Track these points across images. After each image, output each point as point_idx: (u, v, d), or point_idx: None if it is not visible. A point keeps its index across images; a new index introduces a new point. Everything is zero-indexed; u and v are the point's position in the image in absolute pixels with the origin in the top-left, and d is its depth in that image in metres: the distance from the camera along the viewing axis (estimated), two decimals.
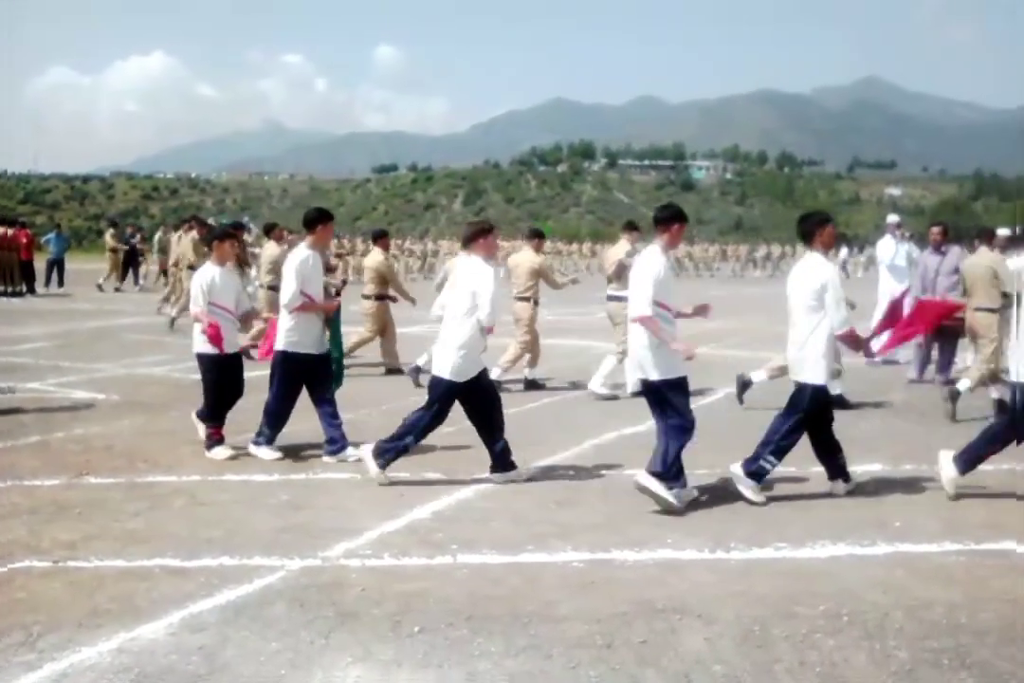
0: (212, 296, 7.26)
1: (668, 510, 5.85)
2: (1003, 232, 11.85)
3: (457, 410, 6.76)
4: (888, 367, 12.20)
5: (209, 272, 7.35)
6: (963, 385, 9.27)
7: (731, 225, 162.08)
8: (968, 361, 12.55)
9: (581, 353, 13.31)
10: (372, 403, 9.25)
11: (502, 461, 6.67)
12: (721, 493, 6.34)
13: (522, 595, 4.52)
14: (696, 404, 6.49)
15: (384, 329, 11.83)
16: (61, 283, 25.75)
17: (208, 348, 7.24)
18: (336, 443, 7.21)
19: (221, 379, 7.31)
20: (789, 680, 3.68)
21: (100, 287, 25.70)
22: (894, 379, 11.51)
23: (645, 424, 8.42)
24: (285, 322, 7.22)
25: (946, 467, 6.29)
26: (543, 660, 3.82)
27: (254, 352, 8.60)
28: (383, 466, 6.53)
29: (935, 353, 11.43)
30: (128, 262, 27.10)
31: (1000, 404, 9.36)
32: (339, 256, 24.95)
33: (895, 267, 13.28)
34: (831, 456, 6.40)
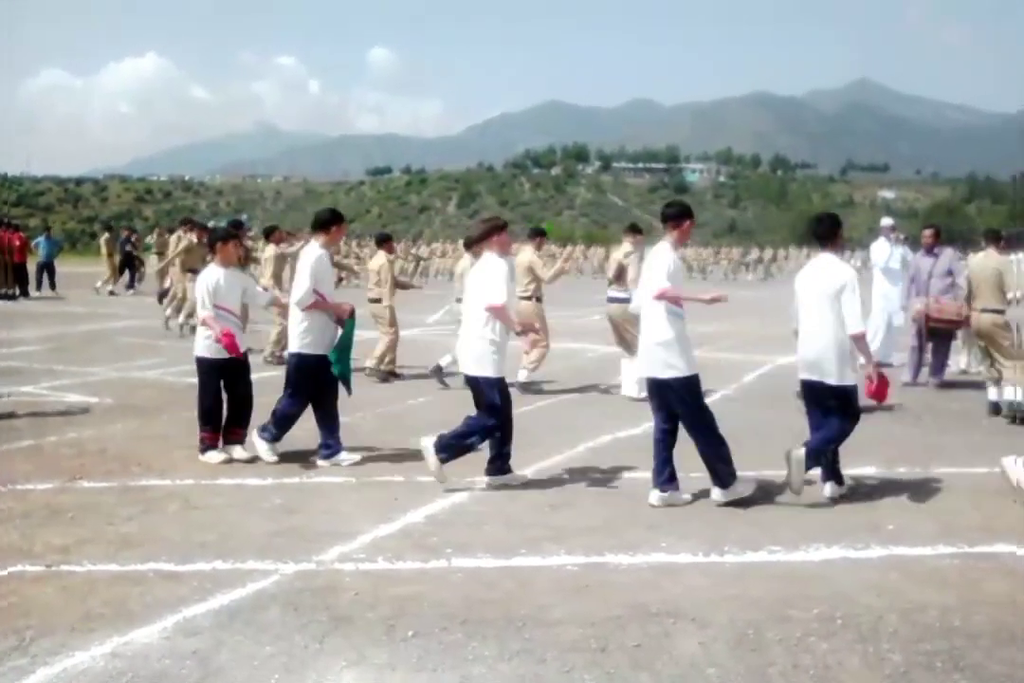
0: (217, 298, 7.19)
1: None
2: None
3: (461, 410, 6.75)
4: (882, 370, 12.19)
5: (213, 274, 7.29)
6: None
7: (725, 228, 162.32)
8: (961, 364, 12.61)
9: (575, 355, 13.33)
10: (368, 406, 9.23)
11: (502, 464, 6.66)
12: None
13: (516, 599, 4.51)
14: None
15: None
16: (52, 286, 25.69)
17: (208, 352, 7.18)
18: (331, 447, 7.19)
19: (217, 384, 7.26)
20: None
21: (97, 290, 25.68)
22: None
23: (640, 427, 8.44)
24: (297, 323, 7.17)
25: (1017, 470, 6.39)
26: (537, 664, 3.82)
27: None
28: (444, 461, 6.47)
29: (928, 356, 11.45)
30: (124, 265, 27.04)
31: (995, 406, 9.39)
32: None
33: (889, 270, 13.30)
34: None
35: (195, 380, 10.12)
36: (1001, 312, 9.74)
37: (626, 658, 3.88)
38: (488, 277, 6.59)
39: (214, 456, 7.17)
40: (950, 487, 6.57)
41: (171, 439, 7.87)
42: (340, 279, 13.47)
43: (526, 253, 11.02)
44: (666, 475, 6.18)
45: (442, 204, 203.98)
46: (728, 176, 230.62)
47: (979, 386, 11.41)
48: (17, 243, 24.45)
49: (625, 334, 10.08)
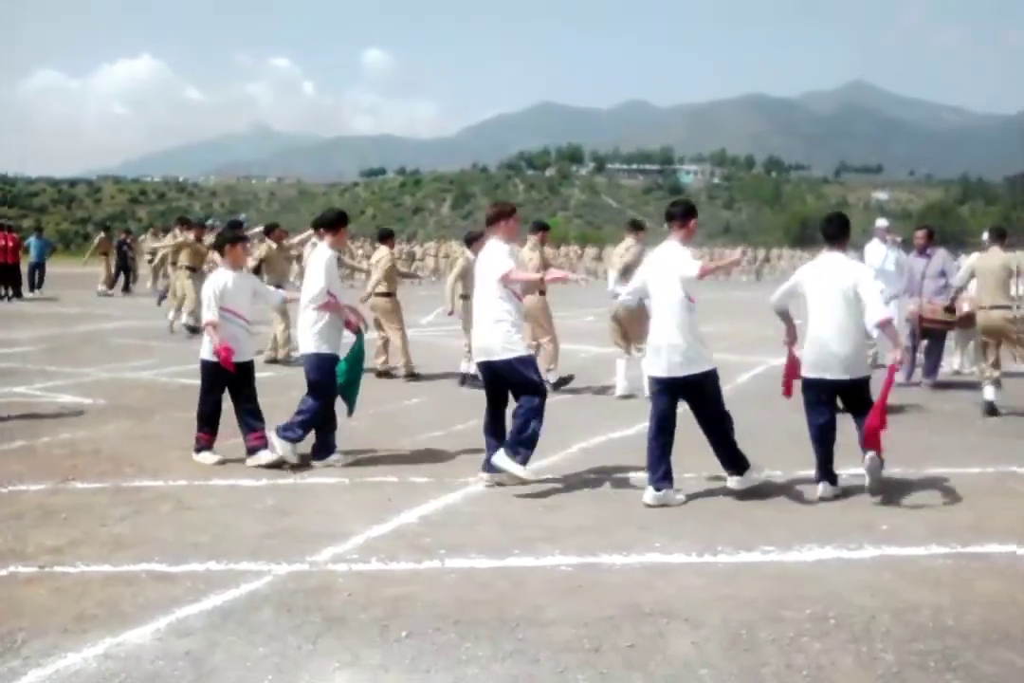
0: (225, 301, 7.14)
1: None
2: None
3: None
4: (874, 371, 12.22)
5: (222, 277, 7.25)
6: None
7: (719, 229, 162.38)
8: (955, 365, 12.63)
9: (569, 356, 13.29)
10: (361, 406, 9.19)
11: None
12: (708, 496, 6.35)
13: (509, 599, 4.51)
14: (683, 407, 6.50)
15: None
16: (40, 286, 25.58)
17: (213, 357, 7.10)
18: (325, 448, 7.18)
19: (221, 389, 7.20)
20: None
21: (100, 293, 25.68)
22: (879, 383, 11.52)
23: (633, 428, 8.45)
24: (311, 325, 7.13)
25: None
26: (530, 664, 3.82)
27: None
28: (524, 461, 6.41)
29: (921, 356, 11.47)
30: (119, 267, 26.98)
31: (990, 406, 9.40)
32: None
33: (884, 272, 13.26)
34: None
35: (188, 381, 10.11)
36: (1010, 307, 9.74)
37: (620, 658, 3.88)
38: (492, 258, 6.58)
39: (208, 457, 7.16)
40: (943, 487, 6.58)
41: (164, 440, 7.86)
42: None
43: (526, 248, 11.03)
44: (660, 473, 6.18)
45: (436, 205, 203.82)
46: (722, 177, 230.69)
47: (972, 387, 11.44)
48: (10, 244, 24.41)
49: (631, 332, 10.08)
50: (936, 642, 4.05)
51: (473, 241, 10.91)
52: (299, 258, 14.98)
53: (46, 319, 18.82)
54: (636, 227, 10.73)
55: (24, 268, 25.70)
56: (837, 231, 6.61)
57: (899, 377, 11.31)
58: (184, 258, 16.05)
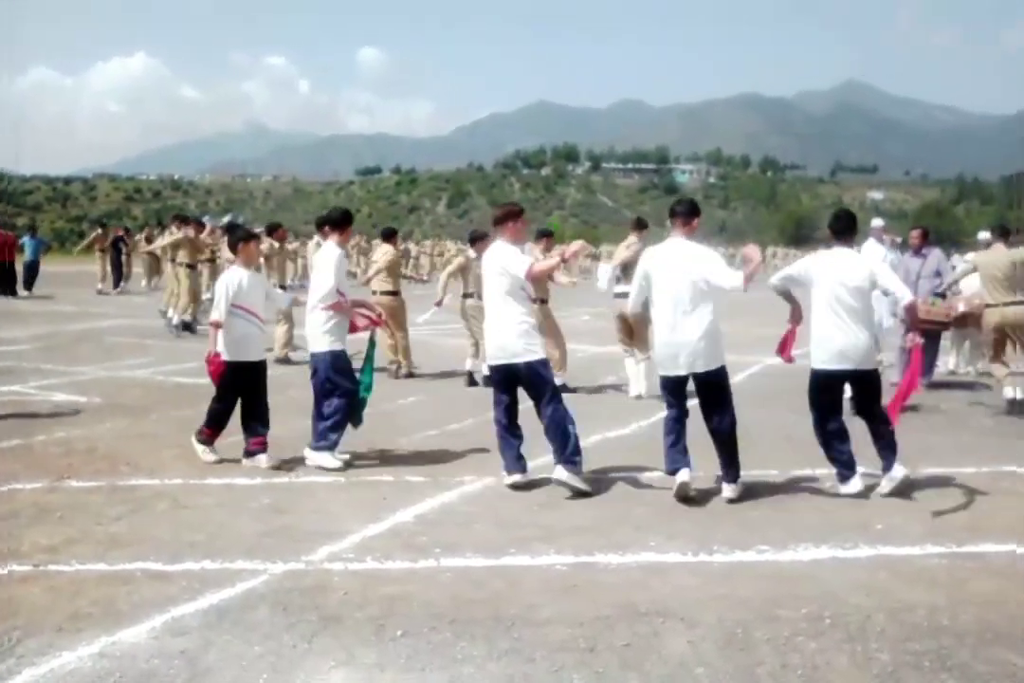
0: (239, 299, 7.05)
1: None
2: (984, 235, 11.93)
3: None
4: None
5: (236, 275, 7.15)
6: None
7: (715, 229, 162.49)
8: (950, 364, 12.65)
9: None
10: None
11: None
12: (704, 495, 6.35)
13: (505, 598, 4.51)
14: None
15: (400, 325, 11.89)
16: (31, 286, 25.47)
17: (230, 357, 7.02)
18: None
19: (238, 387, 7.10)
20: None
21: (98, 291, 25.63)
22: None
23: (629, 427, 8.47)
24: (322, 323, 7.09)
25: None
26: (526, 664, 3.82)
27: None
28: (576, 468, 6.34)
29: None
30: (114, 264, 26.92)
31: (1011, 403, 9.40)
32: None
33: None
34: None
35: (184, 380, 10.11)
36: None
37: (615, 658, 3.88)
38: (504, 259, 6.50)
39: (207, 453, 7.11)
40: (938, 487, 6.59)
41: (160, 438, 7.85)
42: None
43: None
44: (689, 457, 6.28)
45: (432, 204, 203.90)
46: (718, 177, 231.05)
47: (968, 387, 11.48)
48: (8, 242, 24.34)
49: (637, 331, 10.08)
50: (931, 642, 4.06)
51: (477, 240, 10.95)
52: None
53: (41, 317, 18.78)
54: (640, 225, 10.78)
55: (19, 267, 25.64)
56: (845, 227, 6.68)
57: (894, 377, 11.38)
58: (182, 255, 16.01)
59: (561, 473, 6.28)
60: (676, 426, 6.38)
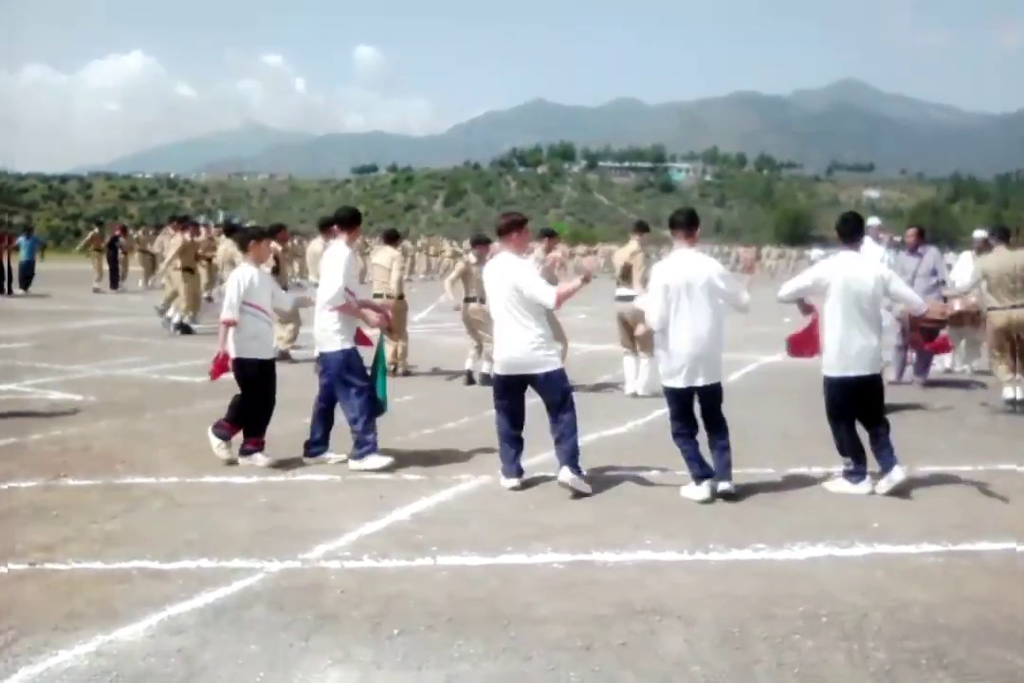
0: (249, 296, 7.02)
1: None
2: (980, 234, 11.93)
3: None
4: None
5: (247, 273, 7.11)
6: None
7: (711, 227, 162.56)
8: (946, 363, 12.66)
9: None
10: None
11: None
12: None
13: (501, 597, 4.51)
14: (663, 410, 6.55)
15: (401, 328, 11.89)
16: (26, 286, 25.42)
17: (246, 353, 6.98)
18: (319, 445, 7.16)
19: (259, 385, 7.06)
20: (768, 681, 3.70)
21: (96, 290, 25.59)
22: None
23: (625, 426, 8.47)
24: (333, 322, 7.06)
25: None
26: (522, 662, 3.82)
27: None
28: (581, 473, 6.37)
29: (913, 355, 11.49)
30: (112, 263, 26.87)
31: (1010, 403, 9.41)
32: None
33: None
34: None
35: (180, 378, 10.11)
36: None
37: (612, 656, 3.88)
38: (521, 281, 6.40)
39: (223, 451, 7.03)
40: (934, 485, 6.60)
41: (155, 437, 7.84)
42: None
43: (532, 256, 11.03)
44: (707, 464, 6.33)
45: (428, 202, 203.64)
46: (714, 175, 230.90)
47: (964, 385, 11.49)
48: (4, 242, 24.30)
49: (640, 334, 10.08)
50: (927, 640, 4.06)
51: (478, 244, 10.97)
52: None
53: (37, 316, 18.75)
54: (641, 228, 10.76)
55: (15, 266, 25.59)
56: (853, 230, 6.71)
57: (890, 375, 11.39)
58: (182, 259, 16.00)
59: (567, 475, 6.28)
60: (692, 441, 6.39)
